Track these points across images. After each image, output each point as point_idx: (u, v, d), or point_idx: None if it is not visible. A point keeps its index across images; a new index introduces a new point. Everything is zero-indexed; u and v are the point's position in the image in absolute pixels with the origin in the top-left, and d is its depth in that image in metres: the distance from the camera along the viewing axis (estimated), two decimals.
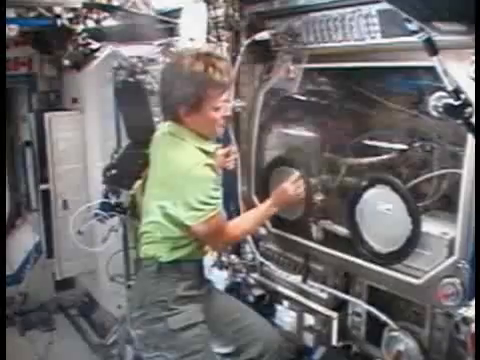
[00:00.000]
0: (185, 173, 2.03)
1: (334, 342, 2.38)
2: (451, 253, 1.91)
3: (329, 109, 2.63)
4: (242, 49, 2.44)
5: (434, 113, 1.56)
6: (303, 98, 2.61)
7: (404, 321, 2.17)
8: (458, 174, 1.97)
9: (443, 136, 2.23)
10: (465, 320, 1.53)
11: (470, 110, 1.41)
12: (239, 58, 2.46)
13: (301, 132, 2.71)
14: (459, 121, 1.45)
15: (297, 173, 2.40)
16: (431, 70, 2.13)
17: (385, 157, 2.32)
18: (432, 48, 1.40)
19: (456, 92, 1.41)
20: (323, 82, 2.64)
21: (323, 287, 2.42)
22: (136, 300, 2.25)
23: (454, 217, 2.03)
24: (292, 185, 2.34)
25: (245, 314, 2.41)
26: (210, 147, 2.14)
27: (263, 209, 2.35)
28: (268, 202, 2.34)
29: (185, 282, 2.19)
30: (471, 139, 1.74)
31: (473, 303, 1.57)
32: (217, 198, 2.10)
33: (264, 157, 2.70)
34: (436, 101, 1.53)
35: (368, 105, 2.48)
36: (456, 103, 1.42)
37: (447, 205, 2.20)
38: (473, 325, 1.48)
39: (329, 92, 2.64)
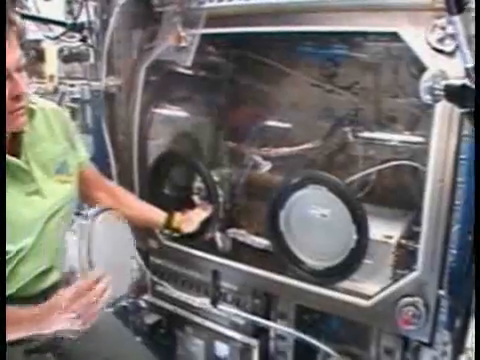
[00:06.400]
0: None
1: None
2: (399, 262, 1.65)
3: (227, 86, 2.12)
4: (116, 10, 1.86)
5: (427, 97, 1.15)
6: (193, 73, 2.07)
7: (343, 343, 1.84)
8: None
9: (367, 115, 1.96)
10: None
11: None
12: (112, 22, 1.88)
13: (193, 116, 2.16)
14: (467, 109, 1.03)
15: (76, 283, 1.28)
16: (349, 38, 1.78)
17: (306, 147, 1.89)
18: (457, 2, 0.93)
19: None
20: (216, 53, 2.13)
21: (237, 311, 1.95)
22: None
23: (387, 213, 1.87)
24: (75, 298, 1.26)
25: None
26: None
27: (22, 315, 1.30)
28: (35, 311, 1.29)
29: None
30: (438, 129, 1.37)
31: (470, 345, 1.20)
32: None
33: (149, 149, 2.10)
34: (431, 82, 1.11)
35: (274, 80, 2.03)
36: (472, 85, 0.98)
37: (372, 197, 1.92)
38: None
39: (224, 65, 2.14)
